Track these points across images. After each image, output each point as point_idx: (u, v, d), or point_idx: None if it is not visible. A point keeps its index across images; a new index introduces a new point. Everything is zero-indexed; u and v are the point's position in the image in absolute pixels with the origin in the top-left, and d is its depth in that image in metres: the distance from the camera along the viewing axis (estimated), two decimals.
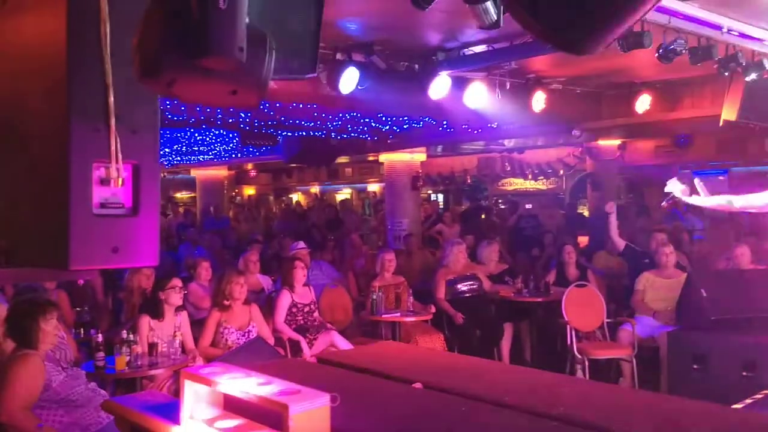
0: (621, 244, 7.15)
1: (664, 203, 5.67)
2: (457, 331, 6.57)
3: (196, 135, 11.11)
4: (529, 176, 15.50)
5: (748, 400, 4.33)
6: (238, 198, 21.63)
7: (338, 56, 5.71)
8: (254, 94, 1.66)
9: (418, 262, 8.53)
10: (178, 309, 5.02)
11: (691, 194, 5.21)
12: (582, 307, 6.22)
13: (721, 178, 12.75)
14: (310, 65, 2.74)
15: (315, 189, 21.17)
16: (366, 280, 7.35)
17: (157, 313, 4.88)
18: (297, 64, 2.64)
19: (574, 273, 6.97)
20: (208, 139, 11.68)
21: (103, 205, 1.76)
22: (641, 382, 5.71)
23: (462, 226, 10.83)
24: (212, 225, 12.72)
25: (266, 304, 6.09)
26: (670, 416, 2.61)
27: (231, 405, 2.40)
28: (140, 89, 1.71)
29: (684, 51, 5.11)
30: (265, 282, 7.00)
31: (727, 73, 5.70)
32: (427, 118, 9.13)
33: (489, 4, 3.39)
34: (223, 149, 13.06)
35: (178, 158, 14.44)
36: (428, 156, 12.75)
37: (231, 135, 11.12)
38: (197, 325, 5.35)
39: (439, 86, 6.26)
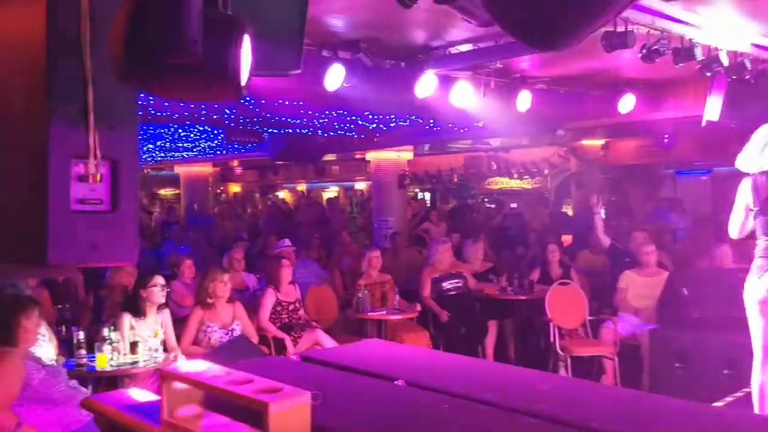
0: (606, 241, 7.21)
1: None
2: (443, 329, 6.60)
3: (180, 131, 11.02)
4: (515, 175, 15.58)
5: (729, 398, 4.38)
6: (223, 195, 21.52)
7: (324, 53, 5.70)
8: (229, 86, 1.64)
9: (404, 260, 8.53)
10: (161, 307, 4.98)
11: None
12: (565, 305, 6.27)
13: (704, 178, 12.89)
14: (295, 62, 2.73)
15: (302, 187, 21.12)
16: (352, 279, 7.34)
17: (138, 311, 4.83)
18: (281, 60, 2.63)
19: (558, 271, 7.03)
20: (192, 135, 11.59)
21: (81, 202, 1.75)
22: (623, 379, 5.74)
23: (449, 225, 10.85)
24: (196, 222, 12.64)
25: (251, 302, 6.06)
26: (651, 414, 2.64)
27: (212, 403, 2.39)
28: (120, 86, 1.70)
29: (667, 51, 5.15)
30: (250, 280, 6.97)
31: (709, 74, 5.76)
32: (413, 117, 9.14)
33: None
34: (208, 146, 12.97)
35: (162, 154, 14.33)
36: (415, 154, 12.76)
37: (216, 131, 11.05)
38: (180, 323, 5.31)
39: (426, 85, 6.26)
